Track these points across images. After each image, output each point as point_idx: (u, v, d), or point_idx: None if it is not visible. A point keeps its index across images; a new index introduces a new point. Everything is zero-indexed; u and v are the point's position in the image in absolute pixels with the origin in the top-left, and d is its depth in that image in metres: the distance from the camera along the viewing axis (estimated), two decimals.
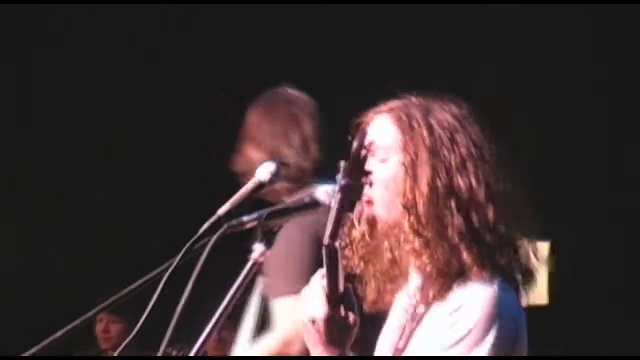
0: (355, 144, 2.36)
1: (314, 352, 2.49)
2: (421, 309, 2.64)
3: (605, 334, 8.20)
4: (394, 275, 2.65)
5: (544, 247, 7.36)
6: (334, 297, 2.43)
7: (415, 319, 2.66)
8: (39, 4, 8.47)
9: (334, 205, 2.33)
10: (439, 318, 2.58)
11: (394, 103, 2.65)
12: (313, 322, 2.43)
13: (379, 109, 2.66)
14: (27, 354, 3.79)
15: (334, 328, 2.44)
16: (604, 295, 8.11)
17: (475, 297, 2.54)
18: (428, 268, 2.54)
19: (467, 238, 2.54)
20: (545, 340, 7.61)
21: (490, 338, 2.53)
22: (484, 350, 2.51)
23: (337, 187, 2.34)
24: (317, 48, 8.20)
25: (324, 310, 2.41)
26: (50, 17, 8.52)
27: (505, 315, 2.54)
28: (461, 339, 2.54)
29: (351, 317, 2.44)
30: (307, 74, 6.52)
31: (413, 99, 2.66)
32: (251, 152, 4.08)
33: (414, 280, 2.66)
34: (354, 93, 2.67)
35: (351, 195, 2.33)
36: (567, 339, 8.09)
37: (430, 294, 2.59)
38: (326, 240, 2.32)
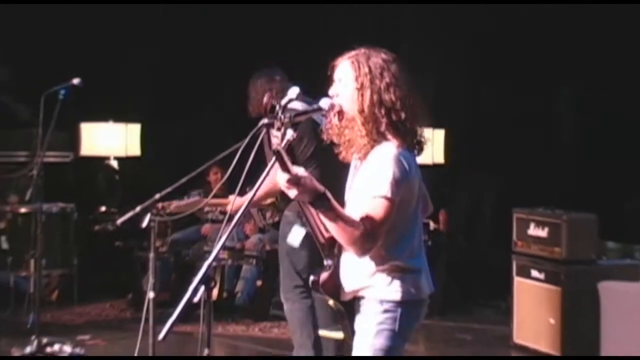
0: (333, 76, 4.11)
1: (299, 197, 3.83)
2: (359, 163, 4.12)
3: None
4: (351, 145, 4.09)
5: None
6: (285, 167, 3.73)
7: (358, 168, 4.13)
8: None
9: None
10: (366, 164, 4.04)
11: (351, 53, 4.15)
12: (285, 185, 3.76)
13: (343, 57, 4.16)
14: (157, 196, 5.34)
15: (295, 179, 3.76)
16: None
17: (385, 149, 3.97)
18: (366, 142, 4.02)
19: (389, 126, 4.01)
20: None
21: (391, 169, 3.93)
22: (387, 176, 3.91)
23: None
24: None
25: (286, 174, 3.74)
26: None
27: (400, 159, 3.96)
28: (376, 171, 3.95)
29: (300, 171, 3.78)
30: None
31: (362, 50, 4.13)
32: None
33: (358, 148, 4.08)
34: (332, 51, 4.37)
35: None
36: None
37: (364, 154, 4.05)
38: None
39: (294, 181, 3.77)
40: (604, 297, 6.55)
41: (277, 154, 3.72)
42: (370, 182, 3.98)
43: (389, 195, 3.93)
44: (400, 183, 3.95)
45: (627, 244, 9.54)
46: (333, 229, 3.91)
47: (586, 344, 7.16)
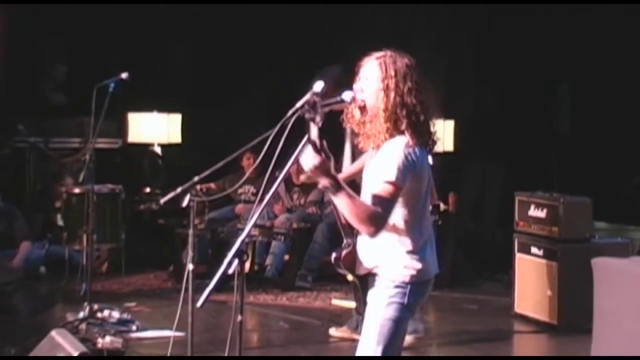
0: (359, 74, 4.14)
1: (321, 182, 3.89)
2: (374, 153, 4.14)
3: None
4: (369, 137, 4.12)
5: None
6: (317, 152, 3.84)
7: (375, 156, 4.13)
8: None
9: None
10: (380, 153, 4.07)
11: (378, 54, 4.14)
12: (313, 168, 3.84)
13: (370, 57, 4.16)
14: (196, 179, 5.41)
15: (322, 165, 3.85)
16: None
17: (397, 141, 4.00)
18: (385, 137, 4.05)
19: (409, 126, 4.02)
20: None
21: (400, 158, 3.96)
22: (396, 163, 3.94)
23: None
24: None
25: (316, 159, 3.83)
26: None
27: (409, 151, 3.99)
28: (387, 159, 3.98)
29: (328, 160, 3.88)
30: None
31: (388, 52, 4.13)
32: None
33: (377, 140, 4.11)
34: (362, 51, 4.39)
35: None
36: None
37: (378, 144, 4.09)
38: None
39: (317, 160, 3.86)
40: (596, 272, 6.53)
41: (313, 144, 3.84)
42: (381, 169, 4.03)
43: (394, 180, 3.96)
44: (406, 171, 3.99)
45: (619, 224, 9.56)
46: (345, 210, 3.96)
47: (580, 314, 7.17)
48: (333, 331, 7.55)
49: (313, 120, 3.92)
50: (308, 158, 3.88)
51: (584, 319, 6.76)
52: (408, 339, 7.25)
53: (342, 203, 3.93)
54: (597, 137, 10.62)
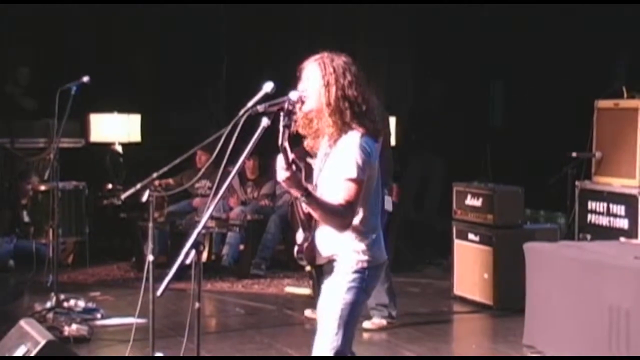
0: (302, 76, 4.13)
1: (292, 193, 3.95)
2: (329, 150, 4.11)
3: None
4: (318, 135, 4.12)
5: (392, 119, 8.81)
6: (288, 165, 3.85)
7: (328, 155, 4.11)
8: None
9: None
10: (336, 151, 4.06)
11: (316, 56, 4.14)
12: (284, 180, 3.86)
13: (310, 59, 4.15)
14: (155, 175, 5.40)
15: (293, 178, 3.87)
16: None
17: (351, 137, 4.00)
18: (333, 131, 4.04)
19: (353, 117, 4.03)
20: None
21: (357, 154, 3.97)
22: (354, 160, 3.95)
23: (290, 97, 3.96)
24: None
25: (287, 172, 3.85)
26: None
27: (364, 145, 4.00)
28: (344, 156, 3.99)
29: (298, 172, 3.89)
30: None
31: (326, 53, 4.14)
32: None
33: (326, 137, 4.11)
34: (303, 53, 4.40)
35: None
36: None
37: (333, 142, 4.07)
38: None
39: (289, 174, 3.88)
40: (528, 256, 6.63)
41: (284, 150, 3.86)
42: (340, 166, 4.04)
43: (356, 177, 3.99)
44: (365, 165, 4.02)
45: (549, 211, 9.68)
46: (316, 214, 4.02)
47: (514, 294, 7.27)
48: (309, 312, 7.50)
49: (288, 127, 3.92)
50: (280, 170, 3.91)
51: (517, 299, 6.87)
52: (381, 322, 7.33)
53: (313, 209, 3.98)
54: (527, 131, 10.75)
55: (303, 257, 4.21)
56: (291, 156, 3.89)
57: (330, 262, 4.17)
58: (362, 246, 4.12)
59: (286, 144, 3.88)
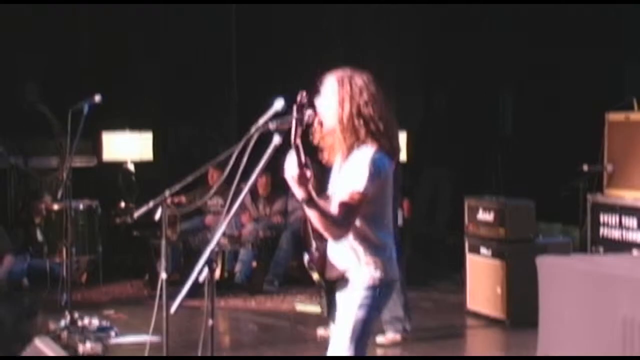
0: (320, 89, 4.14)
1: (296, 193, 3.89)
2: (343, 164, 4.13)
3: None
4: (334, 149, 4.13)
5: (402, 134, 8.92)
6: (300, 164, 3.83)
7: (342, 167, 4.13)
8: None
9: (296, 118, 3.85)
10: (348, 163, 4.07)
11: (336, 71, 4.17)
12: (292, 177, 3.85)
13: (329, 74, 4.17)
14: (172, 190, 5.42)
15: (302, 178, 3.86)
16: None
17: (364, 152, 4.00)
18: (346, 148, 4.07)
19: (368, 135, 4.04)
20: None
21: (367, 168, 3.98)
22: (363, 173, 3.95)
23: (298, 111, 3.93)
24: None
25: (298, 170, 3.83)
26: None
27: (377, 160, 4.01)
28: (355, 169, 4.00)
29: (308, 173, 3.85)
30: None
31: (348, 70, 4.15)
32: None
33: (340, 152, 4.14)
34: (323, 67, 4.42)
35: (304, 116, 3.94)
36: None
37: (347, 157, 4.08)
38: (293, 140, 3.83)
39: (299, 172, 3.85)
40: (540, 269, 6.58)
41: (296, 147, 3.84)
42: (350, 179, 4.05)
43: (362, 190, 3.99)
44: (373, 180, 4.02)
45: (562, 224, 9.64)
46: (313, 219, 4.00)
47: (527, 308, 7.22)
48: (322, 331, 7.48)
49: (300, 121, 3.90)
50: (291, 165, 3.89)
51: (530, 313, 6.80)
52: (395, 337, 7.30)
53: (311, 213, 3.97)
54: (538, 143, 10.73)
55: (313, 267, 4.20)
56: (303, 156, 3.87)
57: (343, 279, 4.16)
58: (375, 262, 4.11)
59: (299, 142, 3.87)
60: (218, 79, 11.91)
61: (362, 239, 4.10)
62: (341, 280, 4.17)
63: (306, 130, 4.06)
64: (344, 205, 4.00)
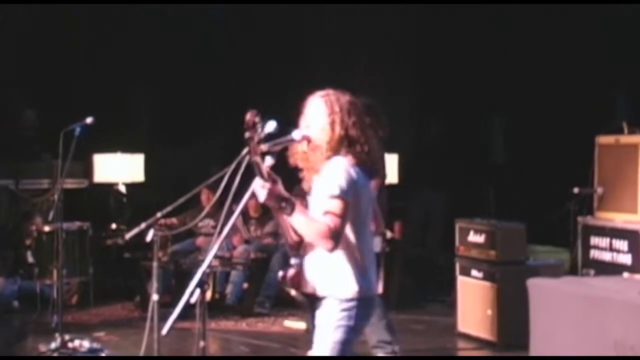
0: (305, 111, 4.17)
1: (278, 210, 3.96)
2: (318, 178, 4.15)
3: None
4: (313, 168, 4.15)
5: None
6: (263, 178, 3.89)
7: (317, 184, 4.16)
8: None
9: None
10: (322, 174, 4.10)
11: (323, 92, 4.22)
12: (265, 197, 3.89)
13: (316, 94, 4.23)
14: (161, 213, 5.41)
15: (272, 192, 3.90)
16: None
17: (335, 161, 4.05)
18: (324, 161, 4.07)
19: (349, 154, 4.08)
20: None
21: (340, 174, 4.01)
22: (337, 179, 3.98)
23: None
24: None
25: (263, 184, 3.88)
26: None
27: (347, 168, 4.04)
28: (328, 176, 4.03)
29: (275, 183, 3.91)
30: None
31: (332, 91, 4.22)
32: None
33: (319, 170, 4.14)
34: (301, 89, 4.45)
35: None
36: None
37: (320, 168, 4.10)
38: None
39: (267, 187, 3.87)
40: (531, 292, 6.59)
41: (256, 164, 3.86)
42: (325, 186, 4.06)
43: (339, 194, 3.99)
44: (348, 185, 4.03)
45: (552, 246, 9.65)
46: (301, 229, 4.00)
47: (518, 330, 7.20)
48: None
49: (252, 139, 3.89)
50: (258, 188, 3.90)
51: (521, 336, 6.80)
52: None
53: (298, 222, 3.96)
54: (529, 166, 10.75)
55: (288, 282, 4.19)
56: (265, 168, 3.89)
57: (320, 296, 4.14)
58: (350, 276, 4.09)
59: (256, 158, 3.87)
60: (209, 101, 11.94)
61: (340, 251, 4.08)
62: (319, 299, 4.15)
63: (283, 154, 4.08)
64: (329, 214, 4.00)
